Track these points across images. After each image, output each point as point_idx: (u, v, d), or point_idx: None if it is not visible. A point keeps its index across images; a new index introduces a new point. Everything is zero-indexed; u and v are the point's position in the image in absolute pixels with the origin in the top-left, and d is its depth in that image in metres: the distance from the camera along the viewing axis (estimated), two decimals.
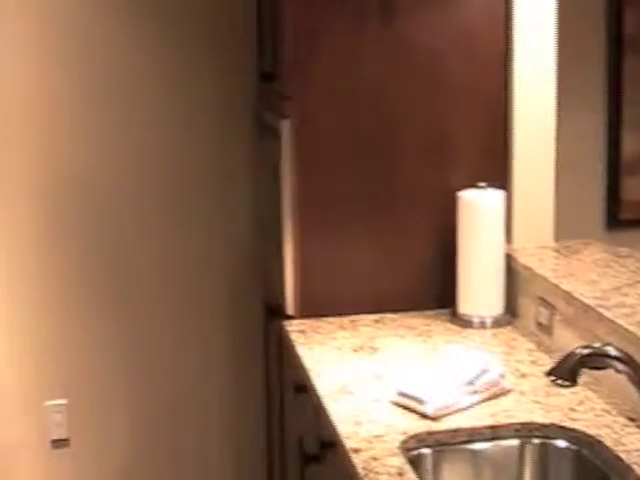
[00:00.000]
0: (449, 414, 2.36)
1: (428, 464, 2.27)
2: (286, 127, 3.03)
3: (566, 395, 2.44)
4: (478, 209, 2.98)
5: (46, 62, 3.64)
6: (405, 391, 2.41)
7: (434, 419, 2.33)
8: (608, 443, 2.20)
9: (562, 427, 2.31)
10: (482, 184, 2.99)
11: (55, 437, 3.86)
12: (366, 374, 2.63)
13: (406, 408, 2.39)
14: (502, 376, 2.50)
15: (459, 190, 3.01)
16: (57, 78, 3.66)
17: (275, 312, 3.28)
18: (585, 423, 2.31)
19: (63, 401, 3.84)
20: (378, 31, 3.02)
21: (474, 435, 2.31)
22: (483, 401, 2.42)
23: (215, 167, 3.81)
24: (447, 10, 3.05)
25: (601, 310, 2.48)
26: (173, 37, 3.71)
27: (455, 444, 2.30)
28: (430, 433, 2.29)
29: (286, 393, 3.24)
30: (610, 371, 2.20)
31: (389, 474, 2.08)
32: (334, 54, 3.02)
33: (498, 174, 3.08)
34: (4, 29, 3.60)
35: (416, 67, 3.04)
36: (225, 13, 3.73)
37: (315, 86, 3.02)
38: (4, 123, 3.65)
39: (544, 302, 2.81)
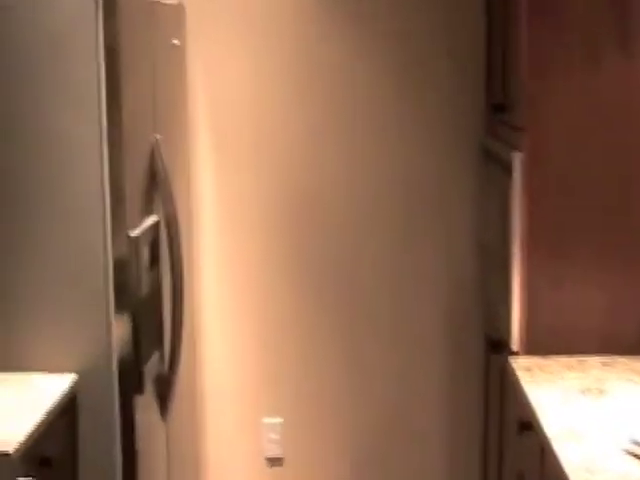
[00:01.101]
0: None
1: None
2: (518, 159, 2.98)
3: None
4: None
5: (275, 84, 3.75)
6: None
7: None
8: None
9: None
10: None
11: (270, 455, 3.93)
12: (595, 418, 2.55)
13: None
14: None
15: None
16: (286, 98, 3.77)
17: (497, 345, 3.23)
18: None
19: (279, 420, 3.90)
20: (616, 63, 2.93)
21: None
22: None
23: (439, 193, 3.81)
24: None
25: None
26: (401, 63, 3.74)
27: None
28: None
29: (506, 429, 3.18)
30: None
31: None
32: (569, 86, 2.95)
33: None
34: (232, 52, 3.72)
35: None
36: (453, 40, 3.73)
37: (549, 119, 2.95)
38: (237, 143, 3.78)
39: None
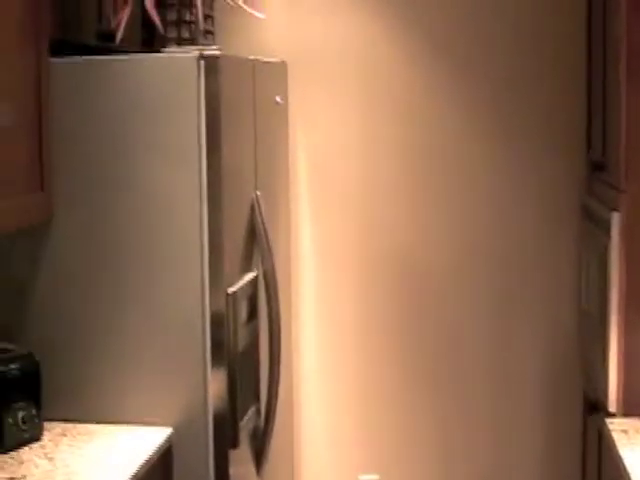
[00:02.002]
0: None
1: None
2: (616, 219, 2.95)
3: None
4: None
5: (378, 141, 3.80)
6: None
7: None
8: None
9: None
10: None
11: None
12: None
13: None
14: None
15: None
16: (388, 155, 3.81)
17: (595, 406, 3.18)
18: None
19: (375, 477, 3.90)
20: None
21: None
22: None
23: (538, 251, 3.79)
24: None
25: None
26: (500, 115, 3.75)
27: None
28: None
29: None
30: None
31: None
32: None
33: None
34: (334, 109, 3.77)
35: None
36: (554, 96, 3.72)
37: None
38: (338, 200, 3.83)
39: None
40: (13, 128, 2.56)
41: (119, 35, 2.98)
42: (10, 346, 2.79)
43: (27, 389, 2.73)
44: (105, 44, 3.05)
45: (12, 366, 2.70)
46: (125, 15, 2.99)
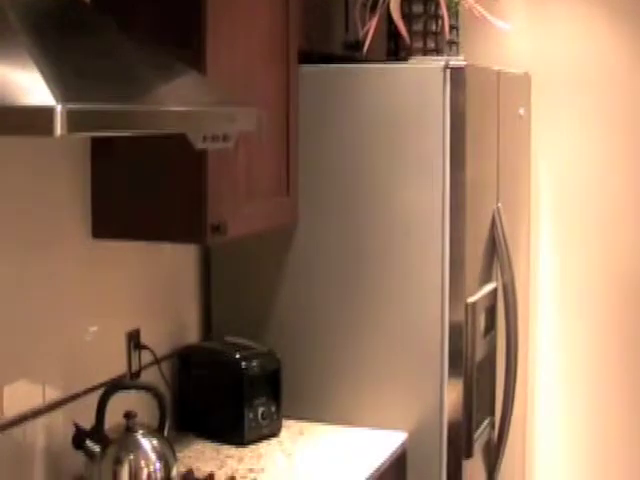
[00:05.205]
0: None
1: None
2: None
3: None
4: None
5: (626, 157, 3.69)
6: None
7: None
8: None
9: None
10: None
11: None
12: None
13: None
14: None
15: None
16: (636, 172, 3.69)
17: None
18: None
19: None
20: None
21: None
22: None
23: None
24: None
25: None
26: None
27: None
28: None
29: None
30: None
31: None
32: None
33: None
34: (579, 122, 3.70)
35: None
36: None
37: None
38: (581, 215, 3.75)
39: None
40: (266, 134, 2.64)
41: (366, 45, 3.03)
42: (253, 344, 2.88)
43: (268, 386, 2.81)
44: (351, 54, 3.11)
45: (254, 363, 2.79)
46: (373, 25, 3.03)
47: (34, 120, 1.49)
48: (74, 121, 1.50)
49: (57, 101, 1.47)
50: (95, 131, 1.65)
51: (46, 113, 1.47)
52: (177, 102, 1.91)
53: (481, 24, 3.38)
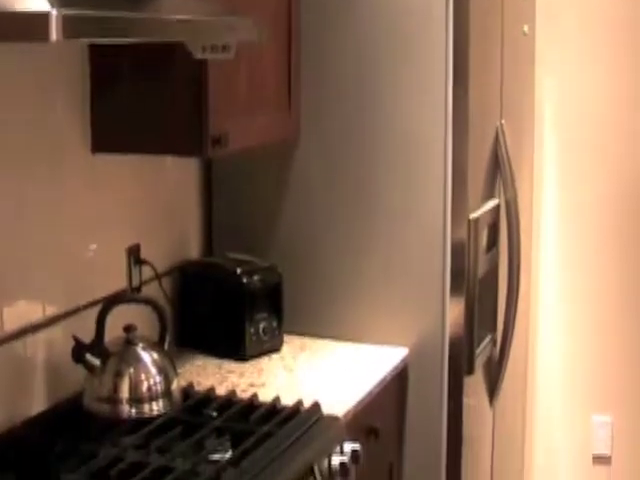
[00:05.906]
0: None
1: None
2: None
3: None
4: None
5: (630, 78, 3.64)
6: None
7: None
8: None
9: None
10: None
11: (597, 453, 3.83)
12: None
13: None
14: None
15: None
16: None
17: None
18: None
19: (608, 418, 3.80)
20: None
21: None
22: None
23: None
24: None
25: None
26: None
27: None
28: None
29: None
30: None
31: None
32: None
33: None
34: (583, 41, 3.64)
35: None
36: None
37: None
38: (582, 134, 3.72)
39: None
40: (265, 45, 2.60)
41: None
42: (254, 259, 2.86)
43: (269, 301, 2.80)
44: None
45: (255, 277, 2.77)
46: None
47: (30, 26, 1.46)
48: (70, 27, 1.47)
49: (52, 6, 1.44)
50: (91, 37, 1.62)
51: (41, 18, 1.44)
52: (175, 11, 1.87)
53: None
